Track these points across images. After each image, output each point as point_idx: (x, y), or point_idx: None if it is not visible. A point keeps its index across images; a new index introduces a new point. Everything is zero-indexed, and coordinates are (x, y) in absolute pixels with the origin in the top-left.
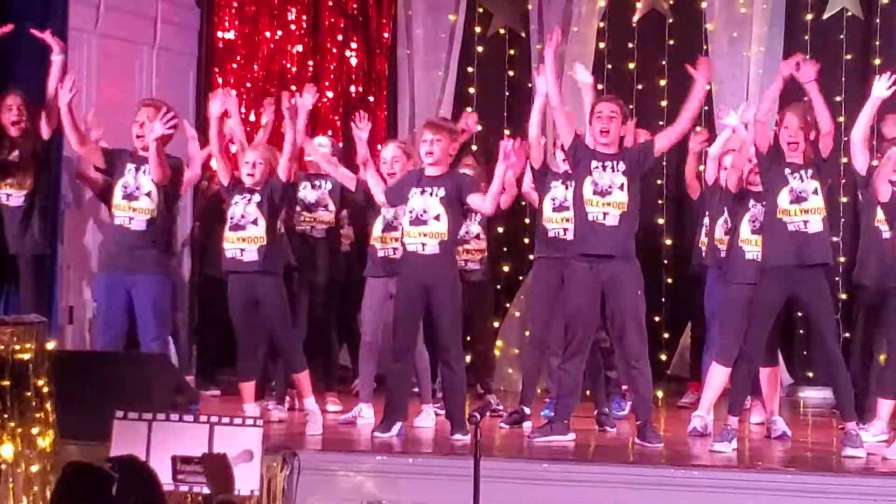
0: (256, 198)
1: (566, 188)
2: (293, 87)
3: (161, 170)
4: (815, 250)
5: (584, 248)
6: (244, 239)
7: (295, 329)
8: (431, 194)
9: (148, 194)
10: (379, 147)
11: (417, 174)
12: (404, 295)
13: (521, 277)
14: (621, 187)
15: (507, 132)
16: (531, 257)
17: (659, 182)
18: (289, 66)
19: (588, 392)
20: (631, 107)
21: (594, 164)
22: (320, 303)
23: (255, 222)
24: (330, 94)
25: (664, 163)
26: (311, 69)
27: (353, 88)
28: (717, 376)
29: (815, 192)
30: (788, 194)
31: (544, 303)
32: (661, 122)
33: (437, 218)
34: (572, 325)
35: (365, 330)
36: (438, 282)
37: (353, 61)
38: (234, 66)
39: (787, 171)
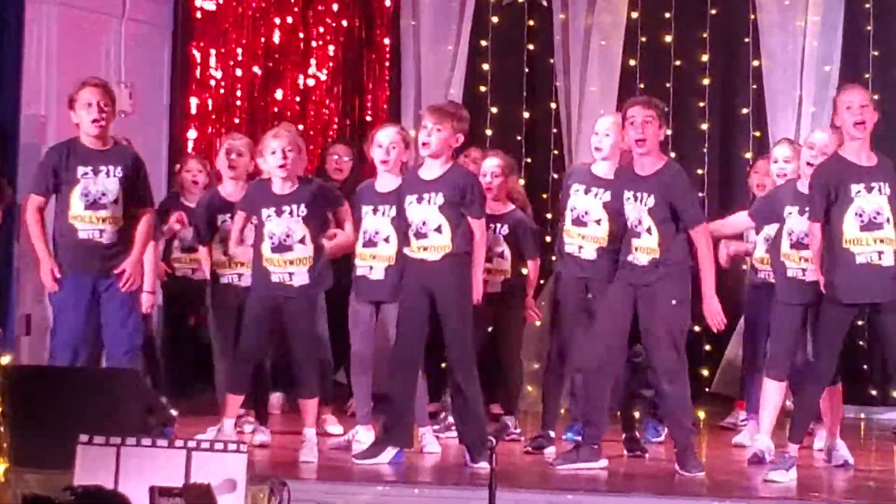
0: (302, 210)
1: (588, 196)
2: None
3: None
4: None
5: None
6: (292, 261)
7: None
8: (429, 202)
9: (115, 201)
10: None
11: (411, 176)
12: (407, 299)
13: (542, 281)
14: (649, 231)
15: (525, 115)
16: (552, 258)
17: (700, 171)
18: (276, 39)
19: (618, 413)
20: (668, 84)
21: (626, 195)
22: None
23: (302, 241)
24: (323, 77)
25: (705, 148)
26: (301, 43)
27: (349, 65)
28: (772, 393)
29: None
30: (856, 219)
31: (567, 315)
32: (701, 104)
33: (437, 230)
34: (600, 336)
35: (353, 338)
36: (444, 286)
37: (351, 34)
38: (214, 42)
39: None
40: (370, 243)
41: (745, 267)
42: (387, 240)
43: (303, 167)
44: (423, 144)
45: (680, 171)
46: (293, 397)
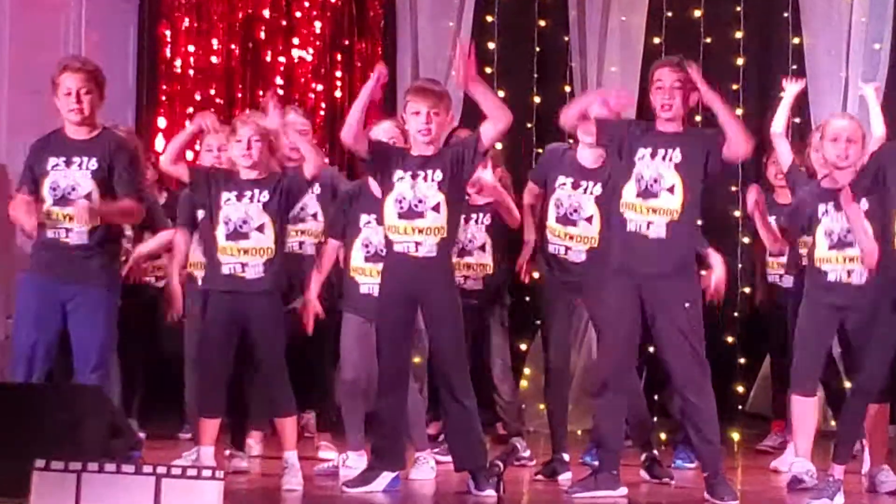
0: (264, 196)
1: (578, 191)
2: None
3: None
4: None
5: (618, 261)
6: (247, 251)
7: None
8: (426, 179)
9: (88, 196)
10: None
11: (401, 153)
12: (390, 309)
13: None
14: (671, 190)
15: (536, 100)
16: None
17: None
18: (256, 14)
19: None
20: (697, 65)
21: (641, 151)
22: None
23: (260, 229)
24: (309, 57)
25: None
26: (284, 19)
27: (337, 42)
28: (802, 411)
29: None
30: None
31: (559, 326)
32: (734, 86)
33: (435, 209)
34: (604, 350)
35: (345, 363)
36: (433, 290)
37: (339, 8)
38: (186, 17)
39: None
40: (376, 257)
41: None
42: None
43: (275, 159)
44: (422, 132)
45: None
46: (269, 416)
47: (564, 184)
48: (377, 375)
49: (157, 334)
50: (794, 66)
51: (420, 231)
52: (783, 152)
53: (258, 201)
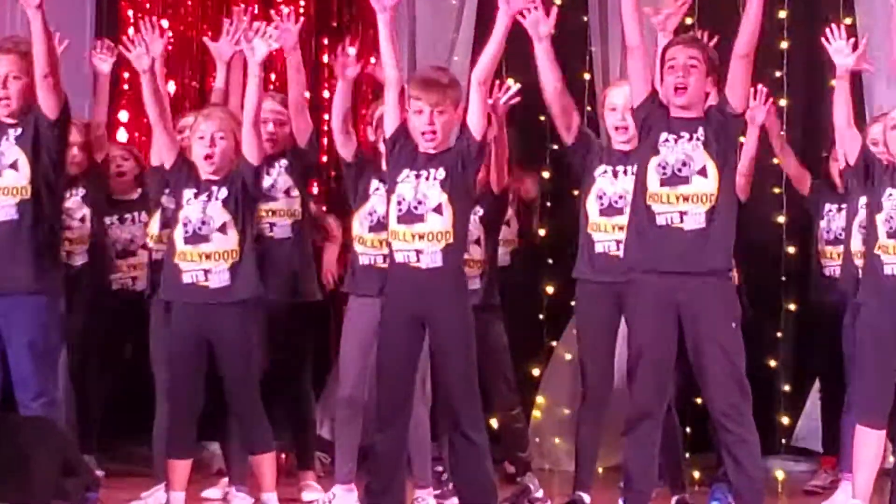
0: (222, 192)
1: (620, 177)
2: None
3: (56, 93)
4: None
5: (650, 262)
6: (209, 255)
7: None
8: (428, 178)
9: (13, 165)
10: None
11: (410, 147)
12: (392, 331)
13: (572, 303)
14: (703, 172)
15: (514, 84)
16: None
17: (776, 161)
18: None
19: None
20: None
21: (663, 136)
22: (287, 336)
23: (222, 229)
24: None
25: (783, 130)
26: None
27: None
28: (866, 445)
29: None
30: None
31: (598, 343)
32: (777, 73)
33: (437, 210)
34: (639, 376)
35: (343, 376)
36: (442, 309)
37: None
38: None
39: None
40: (379, 226)
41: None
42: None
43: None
44: (426, 134)
45: None
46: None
47: (606, 172)
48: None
49: (121, 351)
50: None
51: (420, 237)
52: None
53: (216, 199)
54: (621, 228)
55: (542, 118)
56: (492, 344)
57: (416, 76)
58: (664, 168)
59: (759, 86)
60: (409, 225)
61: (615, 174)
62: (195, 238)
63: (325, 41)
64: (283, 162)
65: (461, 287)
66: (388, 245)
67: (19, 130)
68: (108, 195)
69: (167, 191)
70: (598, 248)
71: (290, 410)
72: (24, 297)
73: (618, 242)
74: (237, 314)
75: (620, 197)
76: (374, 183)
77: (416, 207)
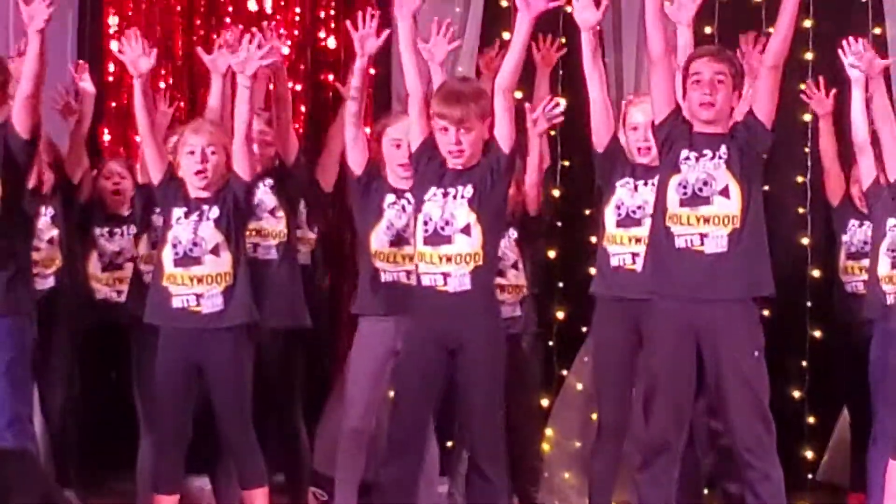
0: (213, 212)
1: (639, 188)
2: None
3: (35, 115)
4: None
5: (668, 287)
6: (200, 279)
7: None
8: (456, 196)
9: None
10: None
11: (437, 163)
12: (416, 356)
13: (584, 329)
14: (725, 192)
15: (562, 101)
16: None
17: (800, 179)
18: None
19: None
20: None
21: (684, 153)
22: (277, 364)
23: (215, 251)
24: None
25: (807, 147)
26: (254, 3)
27: (322, 33)
28: None
29: None
30: None
31: (616, 369)
32: (801, 86)
33: (465, 231)
34: (653, 402)
35: (351, 406)
36: (470, 337)
37: None
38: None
39: None
40: (399, 241)
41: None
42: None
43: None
44: (453, 153)
45: None
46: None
47: (627, 183)
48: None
49: (103, 377)
50: None
51: (448, 259)
52: (865, 167)
53: (208, 218)
54: (638, 241)
55: (553, 133)
56: (533, 372)
57: (439, 90)
58: (684, 187)
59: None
60: (436, 247)
61: (636, 187)
62: (186, 260)
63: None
64: (269, 181)
65: (491, 311)
66: (416, 266)
67: None
68: (102, 209)
69: (157, 210)
70: (614, 262)
71: (280, 443)
72: None
73: (633, 255)
74: (230, 340)
75: (639, 207)
76: (389, 197)
77: (442, 228)
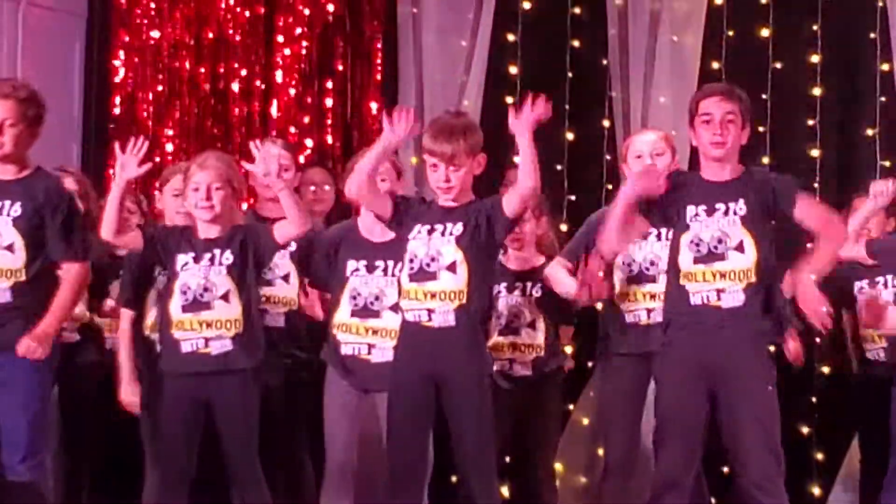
0: (226, 257)
1: (649, 242)
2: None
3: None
4: None
5: (685, 339)
6: (210, 324)
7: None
8: (444, 233)
9: (9, 247)
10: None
11: (419, 200)
12: (404, 392)
13: (590, 364)
14: (740, 248)
15: (569, 136)
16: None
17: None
18: (231, 31)
19: None
20: (764, 96)
21: (691, 209)
22: (282, 412)
23: (225, 297)
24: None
25: (816, 182)
26: (262, 35)
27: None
28: None
29: None
30: None
31: (623, 410)
32: (810, 122)
33: (451, 268)
34: (665, 443)
35: (332, 443)
36: (454, 368)
37: (329, 24)
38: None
39: None
40: (364, 312)
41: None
42: (394, 308)
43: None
44: (442, 189)
45: (776, 173)
46: None
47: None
48: (367, 461)
49: (109, 410)
50: (884, 98)
51: (432, 296)
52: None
53: (220, 264)
54: (653, 297)
55: (559, 167)
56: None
57: (431, 126)
58: (698, 245)
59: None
60: (420, 283)
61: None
62: (195, 305)
63: (329, 84)
64: (292, 245)
65: (474, 345)
66: (399, 303)
67: (18, 209)
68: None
69: (158, 272)
70: (629, 319)
71: (285, 475)
72: (17, 358)
73: (648, 311)
74: (238, 380)
75: (652, 263)
76: (352, 264)
77: (428, 266)
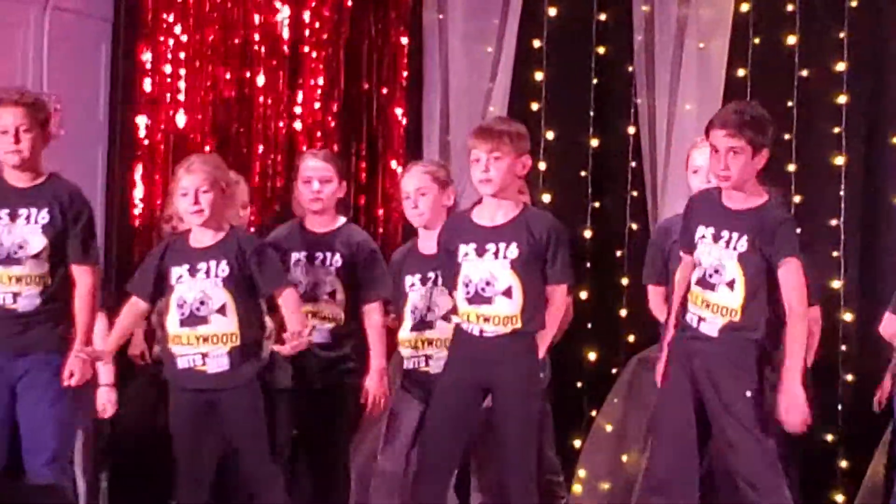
0: (222, 269)
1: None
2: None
3: None
4: None
5: (677, 348)
6: (206, 338)
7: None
8: (497, 255)
9: (37, 256)
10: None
11: (465, 220)
12: (449, 391)
13: (614, 370)
14: (731, 285)
15: (594, 143)
16: (630, 339)
17: (833, 222)
18: (255, 36)
19: None
20: (790, 103)
21: (701, 230)
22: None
23: (221, 310)
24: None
25: (841, 191)
26: (287, 45)
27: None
28: None
29: None
30: None
31: (673, 415)
32: (836, 129)
33: (507, 293)
34: (661, 445)
35: (385, 452)
36: (507, 374)
37: (356, 32)
38: (170, 36)
39: None
40: (421, 325)
41: None
42: (446, 318)
43: (236, 212)
44: (482, 182)
45: (788, 221)
46: None
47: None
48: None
49: (137, 411)
50: None
51: (486, 319)
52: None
53: (216, 276)
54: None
55: (584, 174)
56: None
57: (474, 128)
58: (697, 268)
59: None
60: (476, 306)
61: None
62: (192, 320)
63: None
64: (338, 260)
65: (528, 351)
66: (453, 319)
67: (46, 215)
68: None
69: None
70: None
71: (321, 475)
72: (46, 359)
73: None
74: (238, 394)
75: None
76: (409, 279)
77: (483, 290)
